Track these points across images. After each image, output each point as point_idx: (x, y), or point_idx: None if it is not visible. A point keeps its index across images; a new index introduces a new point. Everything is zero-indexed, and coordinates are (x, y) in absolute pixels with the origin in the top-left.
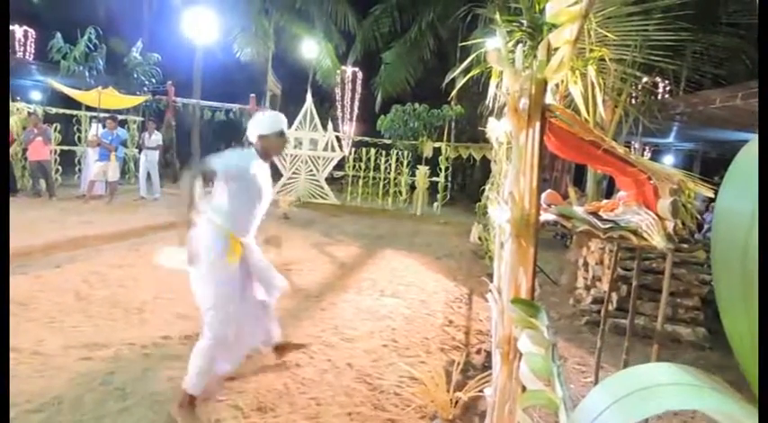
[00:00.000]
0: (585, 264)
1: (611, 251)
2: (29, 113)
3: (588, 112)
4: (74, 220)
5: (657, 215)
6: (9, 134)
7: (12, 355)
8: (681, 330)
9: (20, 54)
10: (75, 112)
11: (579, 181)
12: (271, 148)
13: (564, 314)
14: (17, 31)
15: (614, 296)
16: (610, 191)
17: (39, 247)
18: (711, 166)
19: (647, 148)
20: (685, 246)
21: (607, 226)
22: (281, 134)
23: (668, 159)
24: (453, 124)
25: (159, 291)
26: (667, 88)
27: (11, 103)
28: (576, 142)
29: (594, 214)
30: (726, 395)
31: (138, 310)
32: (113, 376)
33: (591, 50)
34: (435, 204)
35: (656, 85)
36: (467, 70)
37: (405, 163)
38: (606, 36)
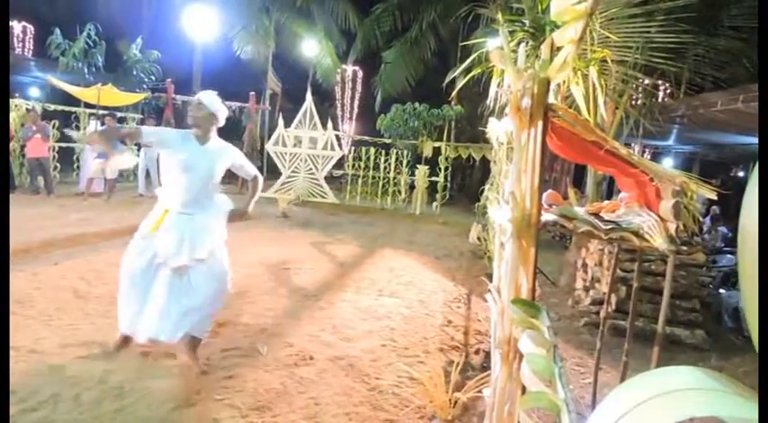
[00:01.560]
0: (584, 265)
1: (611, 252)
2: (27, 110)
3: (589, 113)
4: (72, 217)
5: (659, 217)
6: (9, 132)
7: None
8: (680, 332)
9: (18, 50)
10: (74, 109)
11: (579, 182)
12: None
13: (563, 315)
14: (15, 26)
15: (614, 298)
16: (609, 192)
17: (37, 245)
18: (711, 168)
19: (647, 150)
20: (685, 248)
21: (609, 227)
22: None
23: (668, 162)
24: (453, 124)
25: None
26: (668, 91)
27: (10, 100)
28: (579, 142)
29: (596, 215)
30: (751, 401)
31: None
32: (110, 375)
33: (593, 51)
34: (434, 204)
35: (656, 88)
36: (467, 70)
37: (404, 162)
38: (608, 37)
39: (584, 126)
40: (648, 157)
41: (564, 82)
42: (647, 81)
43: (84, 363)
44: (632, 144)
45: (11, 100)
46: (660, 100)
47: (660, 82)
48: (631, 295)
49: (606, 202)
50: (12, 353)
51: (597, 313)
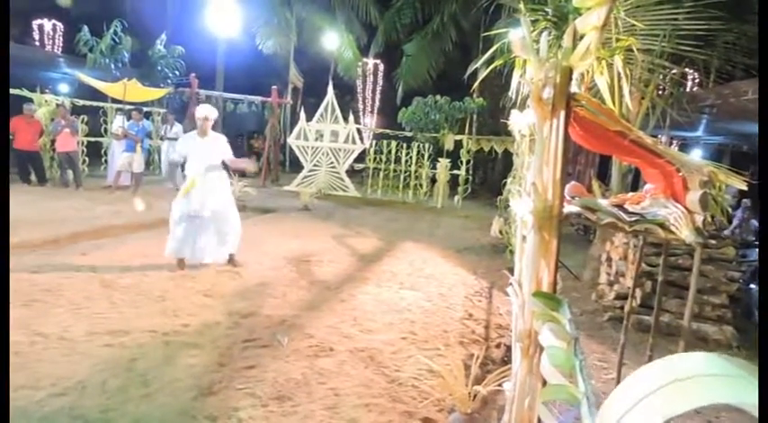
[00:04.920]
0: (609, 259)
1: (636, 246)
2: (57, 105)
3: (614, 104)
4: (100, 209)
5: (686, 208)
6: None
7: (38, 339)
8: (707, 329)
9: (48, 47)
10: (101, 104)
11: (603, 175)
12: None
13: (586, 310)
14: (46, 24)
15: (638, 292)
16: (636, 185)
17: (66, 236)
18: (742, 160)
19: (674, 141)
20: (713, 242)
21: (633, 219)
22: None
23: (697, 153)
24: (475, 117)
25: (181, 280)
26: (697, 79)
27: (40, 95)
28: (602, 132)
29: (620, 207)
30: None
31: (161, 299)
32: (136, 363)
33: (618, 40)
34: (456, 197)
35: (684, 77)
36: (489, 61)
37: (426, 156)
38: (634, 25)
39: (609, 115)
40: (676, 148)
41: (588, 72)
42: (674, 70)
43: (110, 350)
44: (659, 135)
45: (41, 95)
46: (688, 89)
47: (688, 70)
48: (656, 290)
49: (631, 193)
50: (41, 340)
51: (621, 308)
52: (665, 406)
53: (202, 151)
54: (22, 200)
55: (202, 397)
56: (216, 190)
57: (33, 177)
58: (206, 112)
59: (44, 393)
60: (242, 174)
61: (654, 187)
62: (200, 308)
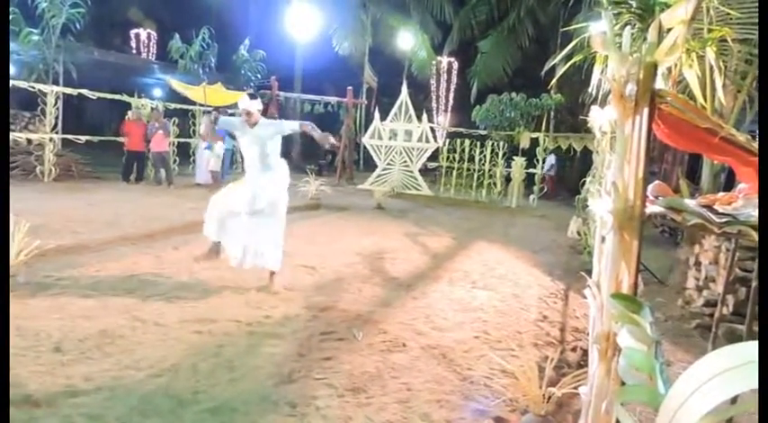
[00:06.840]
0: (698, 263)
1: (728, 250)
2: (152, 109)
3: (705, 99)
4: (188, 206)
5: None
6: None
7: (138, 324)
8: None
9: (144, 55)
10: (190, 107)
11: (693, 174)
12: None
13: (671, 316)
14: (141, 34)
15: (731, 299)
16: (729, 185)
17: (159, 231)
18: None
19: None
20: None
21: (723, 220)
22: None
23: None
24: (552, 114)
25: (262, 273)
26: None
27: (137, 100)
28: (690, 130)
29: (708, 207)
30: None
31: (244, 291)
32: (222, 350)
33: (710, 30)
34: (532, 197)
35: None
36: (568, 57)
37: (500, 154)
38: (728, 14)
39: (696, 112)
40: None
41: (676, 65)
42: None
43: (200, 337)
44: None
45: (138, 100)
46: None
47: None
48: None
49: (722, 193)
50: (140, 325)
51: (710, 315)
52: (731, 385)
53: (250, 142)
54: (123, 197)
55: (283, 384)
56: (265, 193)
57: (132, 176)
58: (245, 105)
59: (144, 374)
60: (318, 172)
61: (748, 187)
62: (281, 301)
